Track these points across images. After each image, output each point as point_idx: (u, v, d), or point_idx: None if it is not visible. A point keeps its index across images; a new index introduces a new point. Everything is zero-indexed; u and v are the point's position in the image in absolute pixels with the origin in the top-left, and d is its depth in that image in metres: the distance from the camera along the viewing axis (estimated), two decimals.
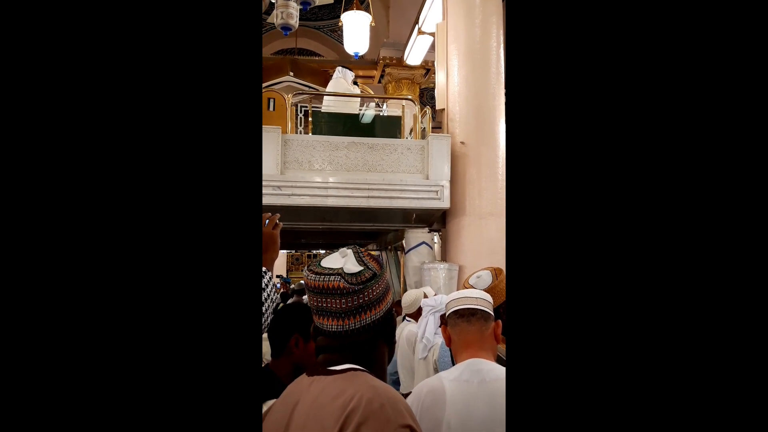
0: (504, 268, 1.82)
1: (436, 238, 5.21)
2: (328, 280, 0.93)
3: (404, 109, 5.20)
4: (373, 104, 5.91)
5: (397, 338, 3.30)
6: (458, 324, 1.36)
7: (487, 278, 1.78)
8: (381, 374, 0.98)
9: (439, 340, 2.79)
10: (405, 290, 4.83)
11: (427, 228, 4.98)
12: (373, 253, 1.06)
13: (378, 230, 5.81)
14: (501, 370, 1.28)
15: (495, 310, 1.54)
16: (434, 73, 5.78)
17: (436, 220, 4.97)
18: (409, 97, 5.92)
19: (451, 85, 4.86)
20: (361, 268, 0.95)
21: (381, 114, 5.67)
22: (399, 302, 3.90)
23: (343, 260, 0.96)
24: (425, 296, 3.32)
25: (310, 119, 4.96)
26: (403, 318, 3.53)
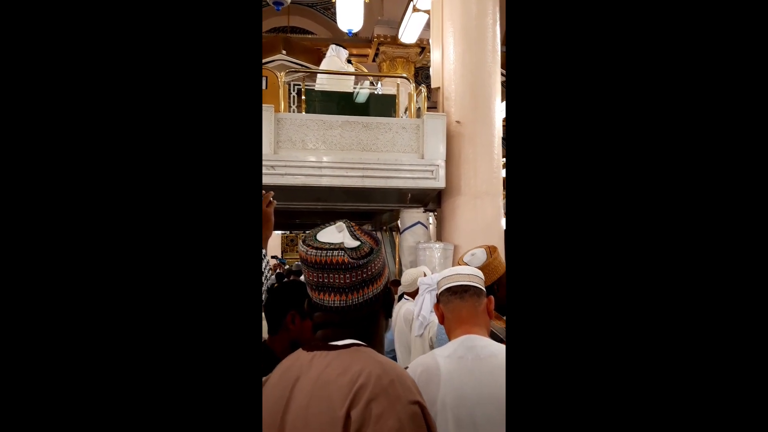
0: (498, 247, 1.82)
1: (431, 218, 5.21)
2: (331, 255, 0.90)
3: (399, 87, 5.15)
4: (367, 83, 5.85)
5: (394, 316, 3.33)
6: (451, 301, 1.36)
7: (481, 256, 1.77)
8: (380, 347, 0.97)
9: (435, 317, 2.80)
10: (401, 270, 4.83)
11: (422, 208, 4.97)
12: (367, 228, 1.05)
13: (373, 210, 5.80)
14: (495, 347, 1.28)
15: (489, 287, 1.54)
16: (429, 52, 5.72)
17: (432, 200, 4.96)
18: (404, 75, 5.86)
19: (446, 63, 4.80)
20: (358, 242, 0.93)
21: (375, 93, 5.62)
22: (394, 282, 3.91)
23: (340, 235, 0.94)
24: (424, 275, 3.33)
25: (303, 98, 4.91)
26: (400, 296, 3.55)
